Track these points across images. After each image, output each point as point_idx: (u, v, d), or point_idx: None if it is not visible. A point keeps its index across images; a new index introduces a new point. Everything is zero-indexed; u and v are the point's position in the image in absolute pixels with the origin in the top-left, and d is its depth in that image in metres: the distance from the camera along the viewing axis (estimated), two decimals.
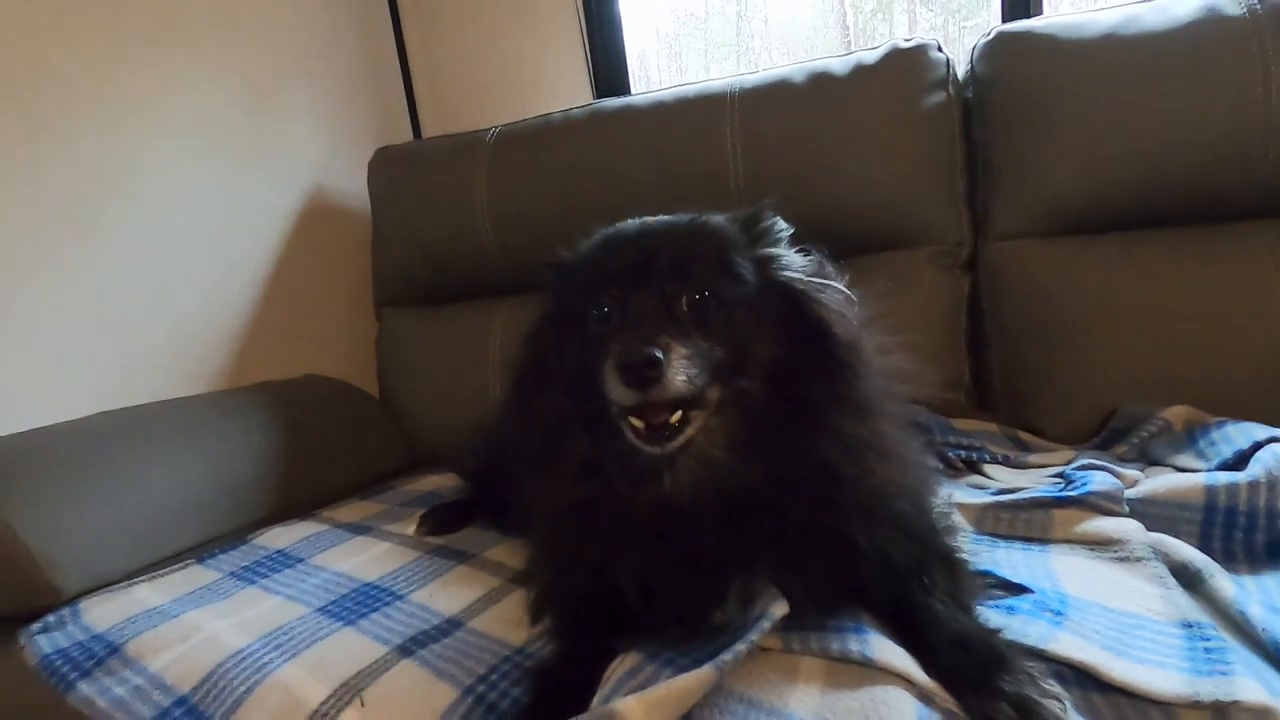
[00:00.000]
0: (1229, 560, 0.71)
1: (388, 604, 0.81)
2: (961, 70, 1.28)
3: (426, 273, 1.60)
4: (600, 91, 1.80)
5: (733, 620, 0.61)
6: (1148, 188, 1.13)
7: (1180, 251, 1.11)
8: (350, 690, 0.66)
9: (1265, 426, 0.84)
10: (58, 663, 0.78)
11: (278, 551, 1.01)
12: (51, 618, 0.88)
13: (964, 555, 0.67)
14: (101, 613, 0.87)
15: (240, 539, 1.09)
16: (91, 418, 1.15)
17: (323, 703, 0.65)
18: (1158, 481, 0.79)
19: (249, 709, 0.67)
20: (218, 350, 1.48)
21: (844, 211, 1.26)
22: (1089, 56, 1.14)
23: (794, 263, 0.67)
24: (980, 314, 1.26)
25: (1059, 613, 0.61)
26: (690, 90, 1.37)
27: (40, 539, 0.92)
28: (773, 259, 0.66)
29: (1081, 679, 0.55)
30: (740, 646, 0.56)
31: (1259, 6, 1.06)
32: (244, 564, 0.98)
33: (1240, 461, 0.80)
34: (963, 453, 1.00)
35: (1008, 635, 0.57)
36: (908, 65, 1.25)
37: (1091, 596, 0.64)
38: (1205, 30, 1.08)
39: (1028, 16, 1.42)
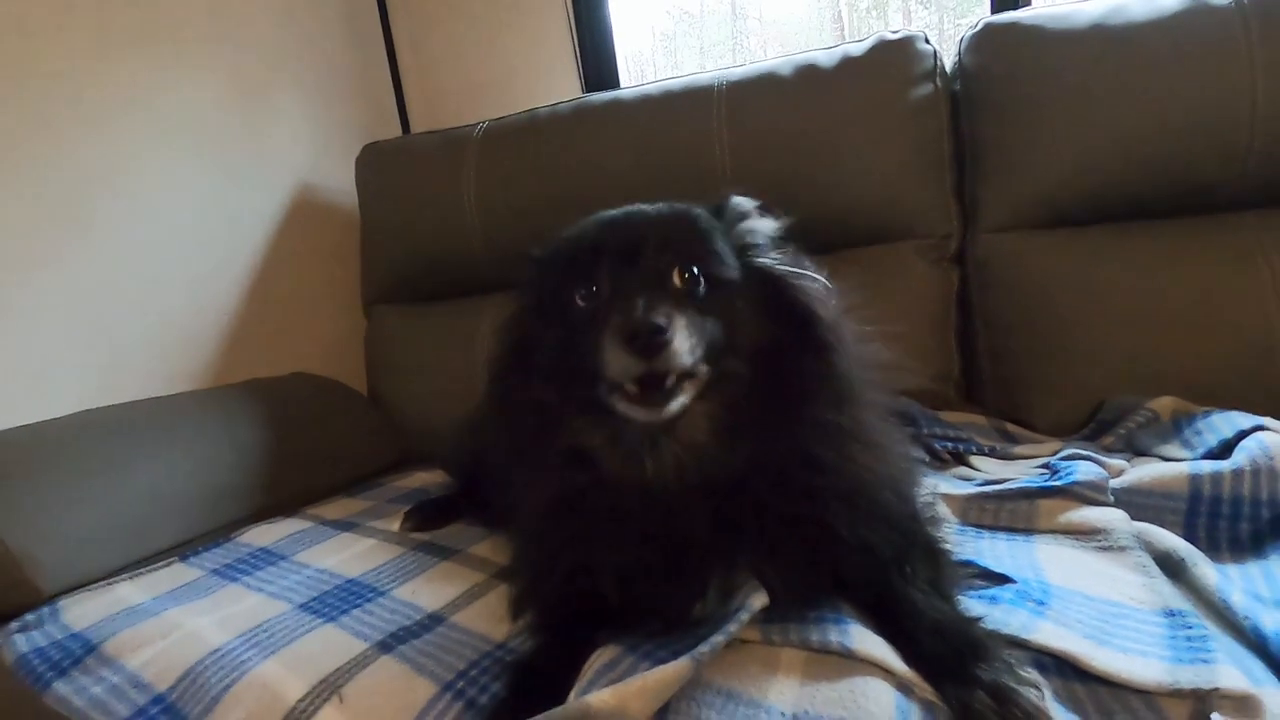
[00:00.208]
0: (1213, 549, 0.71)
1: (370, 600, 0.80)
2: (950, 62, 1.28)
3: (415, 269, 1.59)
4: (590, 87, 1.79)
5: (713, 613, 0.60)
6: (1135, 179, 1.13)
7: (1167, 242, 1.11)
8: (329, 687, 0.65)
9: (1250, 415, 0.83)
10: (34, 662, 0.77)
11: (261, 549, 1.00)
12: (30, 616, 0.87)
13: (946, 545, 0.67)
14: (81, 611, 0.86)
15: (224, 537, 1.08)
16: (75, 415, 1.14)
17: (301, 699, 0.64)
18: (1143, 471, 0.79)
19: (226, 707, 0.66)
20: (205, 348, 1.48)
21: (832, 204, 1.25)
22: (1076, 48, 1.14)
23: (771, 250, 0.67)
24: (969, 307, 1.25)
25: (1041, 602, 0.61)
26: (677, 84, 1.36)
27: (20, 538, 0.91)
28: (750, 246, 0.66)
29: (1063, 668, 0.54)
30: (718, 638, 0.55)
31: None
32: (226, 561, 0.97)
33: (1225, 450, 0.79)
34: (949, 444, 1.00)
35: (989, 625, 0.57)
36: (895, 57, 1.25)
37: (1074, 586, 0.64)
38: (1192, 21, 1.08)
39: (1016, 8, 1.42)
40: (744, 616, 0.58)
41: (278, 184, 1.63)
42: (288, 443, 1.28)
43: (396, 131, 1.92)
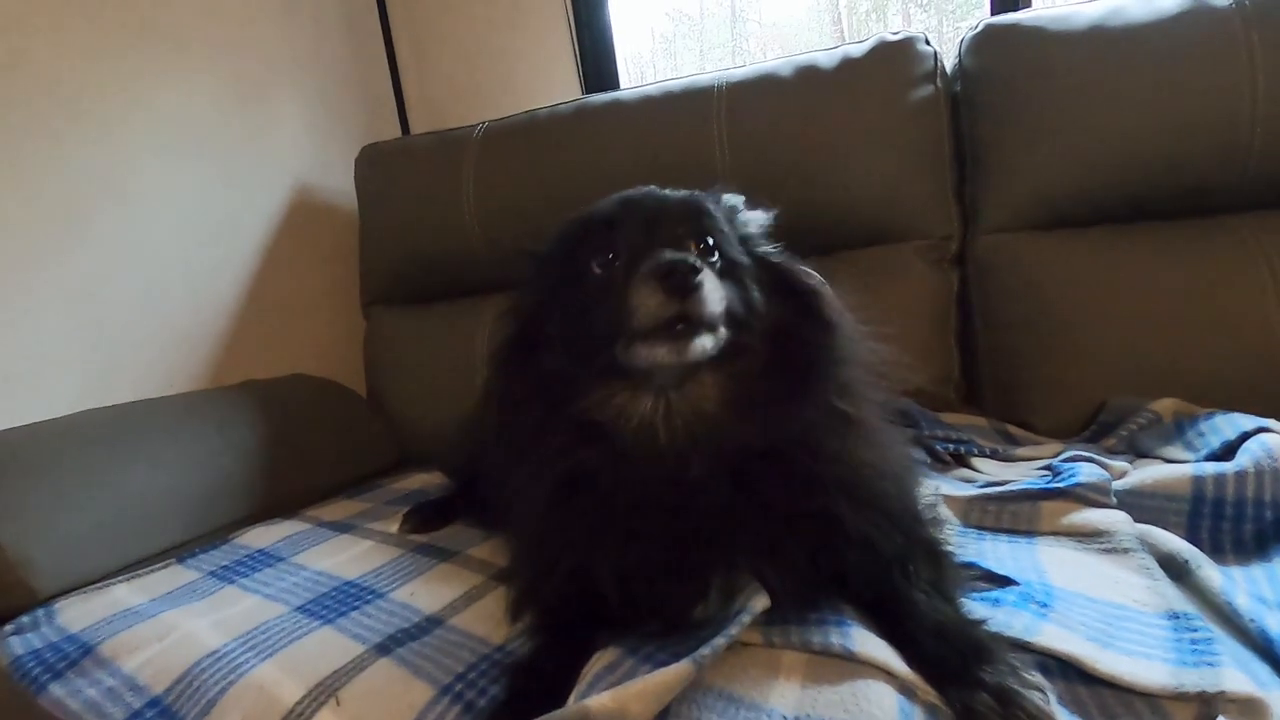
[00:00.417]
0: (1216, 551, 0.70)
1: (367, 602, 0.80)
2: (950, 64, 1.28)
3: (414, 270, 1.59)
4: (590, 88, 1.79)
5: (714, 615, 0.60)
6: (1135, 180, 1.12)
7: (1167, 244, 1.11)
8: (326, 690, 0.64)
9: (1253, 417, 0.83)
10: (29, 664, 0.77)
11: (258, 550, 1.00)
12: (25, 618, 0.86)
13: (948, 546, 0.67)
14: (77, 613, 0.86)
15: (222, 538, 1.08)
16: (73, 416, 1.14)
17: (298, 703, 0.63)
18: (1145, 473, 0.79)
19: (223, 709, 0.65)
20: (204, 349, 1.47)
21: (832, 205, 1.25)
22: (1076, 49, 1.14)
23: (766, 241, 0.69)
24: (969, 308, 1.25)
25: (1044, 604, 0.60)
26: (677, 85, 1.36)
27: (16, 539, 0.90)
28: (748, 237, 0.68)
29: (1066, 671, 0.54)
30: (719, 641, 0.55)
31: None
32: (224, 563, 0.97)
33: (1228, 452, 0.79)
34: (951, 446, 0.99)
35: (992, 627, 0.57)
36: (895, 58, 1.24)
37: (1078, 588, 0.63)
38: (1192, 22, 1.08)
39: (1016, 10, 1.42)
40: (745, 619, 0.57)
41: (277, 184, 1.63)
42: (286, 444, 1.27)
43: (396, 132, 1.92)
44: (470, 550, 0.92)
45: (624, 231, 0.62)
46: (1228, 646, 0.54)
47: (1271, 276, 1.04)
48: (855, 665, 0.54)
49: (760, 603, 0.58)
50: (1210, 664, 0.51)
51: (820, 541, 0.60)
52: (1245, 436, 0.79)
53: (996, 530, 0.77)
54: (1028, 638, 0.56)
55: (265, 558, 0.97)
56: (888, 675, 0.53)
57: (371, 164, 1.63)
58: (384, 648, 0.69)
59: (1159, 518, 0.74)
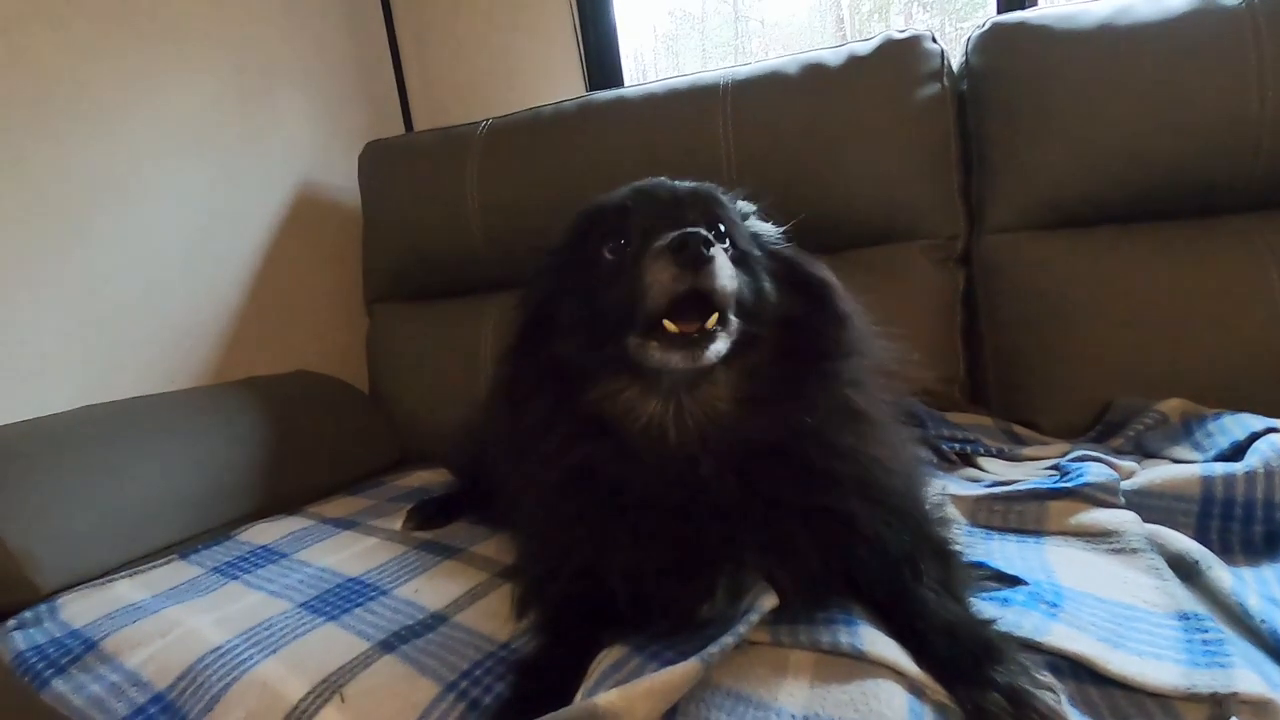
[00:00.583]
0: (1226, 552, 0.70)
1: (371, 599, 0.80)
2: (956, 62, 1.27)
3: (417, 267, 1.59)
4: (593, 85, 1.78)
5: (721, 613, 0.59)
6: (1142, 179, 1.12)
7: (1174, 244, 1.10)
8: (330, 687, 0.64)
9: (1261, 417, 0.83)
10: (33, 659, 0.76)
11: (261, 547, 0.99)
12: (28, 614, 0.86)
13: (957, 546, 0.66)
14: (80, 609, 0.85)
15: (225, 534, 1.07)
16: (75, 411, 1.13)
17: (302, 699, 0.63)
18: (1154, 473, 0.78)
19: (227, 706, 0.65)
20: (207, 345, 1.47)
21: (838, 204, 1.25)
22: (1083, 48, 1.13)
23: (775, 236, 0.70)
24: (975, 307, 1.25)
25: (1054, 604, 0.60)
26: (682, 82, 1.36)
27: (19, 535, 0.90)
28: (759, 235, 0.68)
29: (1077, 671, 0.53)
30: (727, 639, 0.54)
31: None
32: (227, 559, 0.96)
33: (1237, 453, 0.79)
34: (957, 445, 0.99)
35: (1002, 627, 0.56)
36: (901, 56, 1.24)
37: (1087, 588, 0.63)
38: (1200, 20, 1.07)
39: (1023, 8, 1.41)
40: (754, 618, 0.57)
41: (280, 182, 1.63)
42: (289, 441, 1.27)
43: (399, 129, 1.91)
44: (474, 547, 0.92)
45: (636, 218, 0.62)
46: (1239, 647, 0.54)
47: (1278, 276, 1.03)
48: (864, 664, 0.54)
49: (768, 601, 0.58)
50: (1222, 665, 0.51)
51: (830, 538, 0.59)
52: (1255, 437, 0.79)
53: (1004, 530, 0.77)
54: (1038, 638, 0.55)
55: (268, 554, 0.97)
56: (897, 674, 0.53)
57: (375, 161, 1.62)
58: (388, 645, 0.69)
59: (1168, 518, 0.73)
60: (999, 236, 1.21)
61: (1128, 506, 0.74)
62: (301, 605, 0.79)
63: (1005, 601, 0.61)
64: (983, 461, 0.96)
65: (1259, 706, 0.48)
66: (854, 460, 0.60)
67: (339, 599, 0.80)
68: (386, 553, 0.93)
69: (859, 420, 0.62)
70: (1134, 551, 0.67)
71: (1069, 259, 1.15)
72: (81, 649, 0.77)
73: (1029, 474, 0.89)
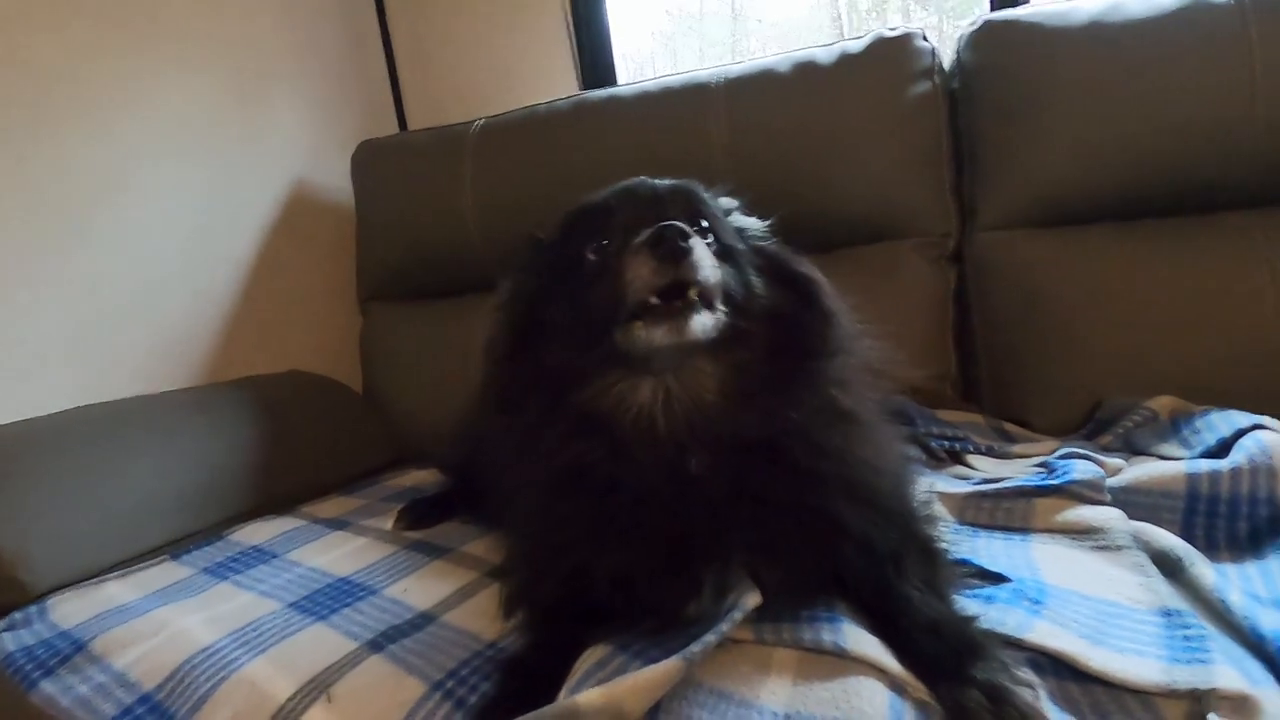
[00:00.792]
0: (1211, 548, 0.70)
1: (361, 599, 0.80)
2: (948, 60, 1.27)
3: (411, 266, 1.59)
4: (587, 84, 1.78)
5: (707, 612, 0.59)
6: (1134, 178, 1.12)
7: (1166, 242, 1.10)
8: (318, 686, 0.64)
9: (1248, 414, 0.83)
10: (21, 661, 0.77)
11: (252, 547, 1.00)
12: (18, 615, 0.86)
13: (942, 543, 0.67)
14: (70, 609, 0.86)
15: (217, 535, 1.08)
16: (68, 412, 1.14)
17: (289, 699, 0.63)
18: (1140, 470, 0.79)
19: (214, 706, 0.65)
20: (201, 345, 1.47)
21: (830, 202, 1.25)
22: (1074, 45, 1.13)
23: (759, 231, 0.70)
24: (967, 305, 1.25)
25: (1037, 601, 0.60)
26: (676, 80, 1.36)
27: (10, 535, 0.91)
28: (744, 230, 0.68)
29: (1059, 668, 0.53)
30: (710, 638, 0.55)
31: None
32: (218, 560, 0.97)
33: (1223, 449, 0.79)
34: (947, 443, 0.99)
35: (984, 624, 0.56)
36: (893, 54, 1.24)
37: (1071, 585, 0.63)
38: (1191, 18, 1.07)
39: (1015, 6, 1.41)
40: (737, 615, 0.57)
41: (274, 181, 1.63)
42: (282, 441, 1.27)
43: (393, 128, 1.91)
44: (465, 547, 0.92)
45: (618, 217, 0.62)
46: (1220, 643, 0.54)
47: (1270, 274, 1.03)
48: (847, 662, 0.54)
49: (752, 600, 0.58)
50: (1202, 661, 0.51)
51: (816, 538, 0.59)
52: (1240, 433, 0.79)
53: (991, 527, 0.77)
54: (1020, 635, 0.55)
55: (259, 554, 0.97)
56: (879, 672, 0.53)
57: (369, 160, 1.62)
58: (376, 644, 0.69)
59: (1154, 515, 0.73)
60: (991, 234, 1.21)
61: (1114, 504, 0.74)
62: (291, 605, 0.80)
63: (989, 599, 0.61)
64: (972, 459, 0.96)
65: (1237, 702, 0.48)
66: (840, 460, 0.60)
67: (328, 599, 0.80)
68: (377, 552, 0.93)
69: (845, 420, 0.62)
70: (1119, 548, 0.67)
71: (1060, 257, 1.15)
72: (71, 650, 0.77)
73: (1017, 471, 0.89)
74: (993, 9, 1.47)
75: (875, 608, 0.59)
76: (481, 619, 0.73)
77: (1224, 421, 0.84)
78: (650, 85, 1.38)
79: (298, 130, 1.69)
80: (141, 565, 0.98)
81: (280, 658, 0.69)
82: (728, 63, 1.35)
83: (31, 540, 0.92)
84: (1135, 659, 0.52)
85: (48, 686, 0.73)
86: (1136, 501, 0.75)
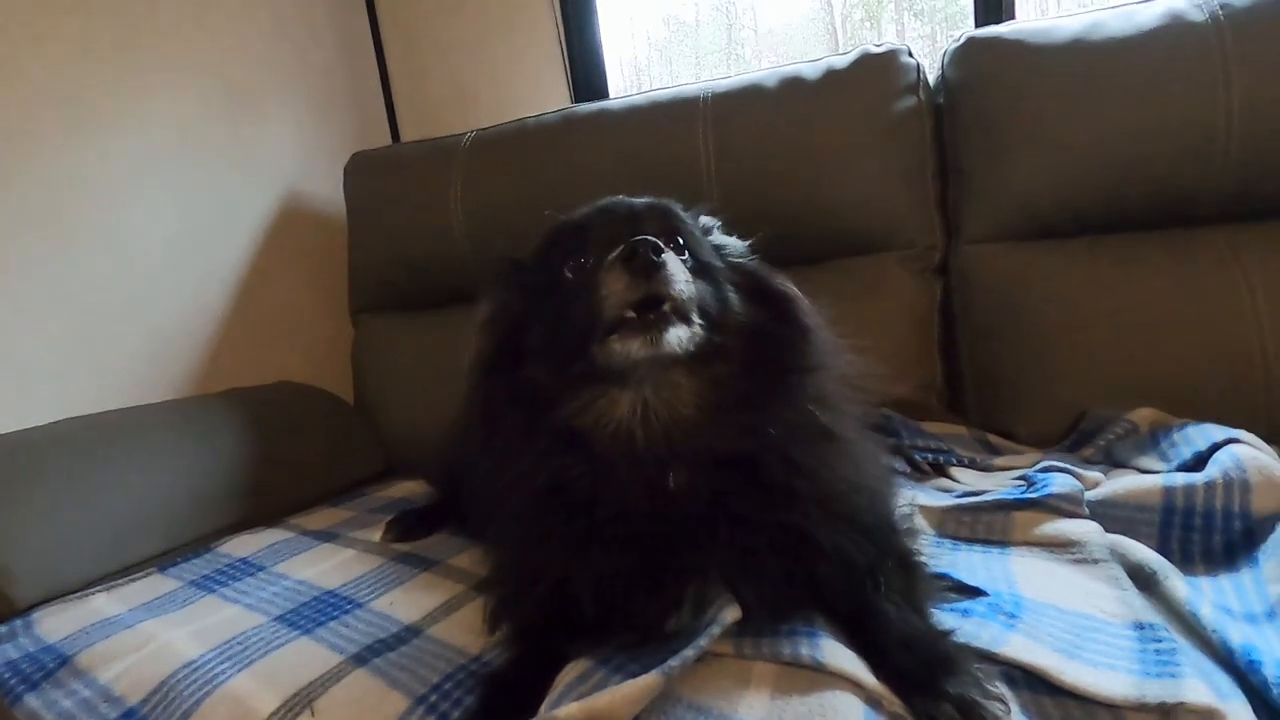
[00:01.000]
0: (1186, 561, 0.71)
1: (347, 612, 0.80)
2: (933, 75, 1.29)
3: (402, 277, 1.59)
4: (579, 97, 1.80)
5: (687, 626, 0.60)
6: (1114, 192, 1.14)
7: (1147, 255, 1.12)
8: (302, 700, 0.65)
9: (1223, 428, 0.84)
10: (5, 675, 0.76)
11: (240, 559, 1.00)
12: (3, 628, 0.86)
13: (921, 557, 0.67)
14: (55, 623, 0.86)
15: (204, 547, 1.08)
16: (54, 424, 1.13)
17: (273, 713, 0.64)
18: (1118, 483, 0.80)
19: None
20: (191, 356, 1.47)
21: (816, 215, 1.26)
22: (1056, 62, 1.15)
23: (739, 250, 0.71)
24: (952, 317, 1.26)
25: (1013, 615, 0.61)
26: (664, 94, 1.37)
27: None
28: (722, 248, 0.69)
29: (1032, 681, 0.54)
30: (688, 652, 0.55)
31: (1221, 14, 1.07)
32: (204, 572, 0.97)
33: (1199, 463, 0.80)
34: (929, 455, 1.00)
35: (960, 638, 0.57)
36: (878, 70, 1.26)
37: (1047, 598, 0.64)
38: (1169, 36, 1.09)
39: (1000, 22, 1.43)
40: (715, 630, 0.57)
41: (265, 192, 1.63)
42: (271, 452, 1.27)
43: (385, 140, 1.92)
44: (452, 560, 0.92)
45: (594, 235, 0.64)
46: (1191, 657, 0.55)
47: (1247, 287, 1.05)
48: (824, 676, 0.54)
49: (731, 614, 0.59)
50: (1172, 675, 0.52)
51: (793, 554, 0.60)
52: (1216, 447, 0.80)
53: (971, 541, 0.77)
54: (994, 649, 0.56)
55: (247, 567, 0.97)
56: (856, 686, 0.53)
57: (360, 171, 1.63)
58: (361, 658, 0.70)
59: (1131, 528, 0.74)
60: (976, 247, 1.23)
61: (1092, 517, 0.75)
62: (277, 618, 0.80)
63: (966, 613, 0.62)
64: (955, 471, 0.97)
65: (1205, 716, 0.48)
66: (816, 477, 0.60)
67: (315, 612, 0.81)
68: (364, 565, 0.93)
69: (823, 436, 0.62)
70: (1095, 562, 0.68)
71: (1044, 270, 1.16)
72: (55, 664, 0.77)
73: (998, 484, 0.90)
74: (977, 25, 1.50)
75: (852, 622, 0.59)
76: (467, 633, 0.73)
77: (1200, 435, 0.85)
78: (638, 99, 1.40)
79: (289, 141, 1.69)
80: (128, 578, 0.98)
81: (265, 672, 0.69)
82: (723, 72, 1.36)
83: (16, 553, 0.92)
84: (1108, 673, 0.53)
85: (32, 701, 0.73)
86: (1114, 515, 0.76)
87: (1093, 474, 0.84)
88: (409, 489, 1.31)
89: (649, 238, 0.56)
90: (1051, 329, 1.14)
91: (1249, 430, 0.83)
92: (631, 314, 0.57)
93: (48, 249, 1.24)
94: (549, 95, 1.80)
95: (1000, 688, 0.51)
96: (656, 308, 0.57)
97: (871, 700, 0.53)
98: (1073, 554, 0.70)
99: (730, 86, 1.32)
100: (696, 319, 0.60)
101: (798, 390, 0.63)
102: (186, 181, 1.46)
